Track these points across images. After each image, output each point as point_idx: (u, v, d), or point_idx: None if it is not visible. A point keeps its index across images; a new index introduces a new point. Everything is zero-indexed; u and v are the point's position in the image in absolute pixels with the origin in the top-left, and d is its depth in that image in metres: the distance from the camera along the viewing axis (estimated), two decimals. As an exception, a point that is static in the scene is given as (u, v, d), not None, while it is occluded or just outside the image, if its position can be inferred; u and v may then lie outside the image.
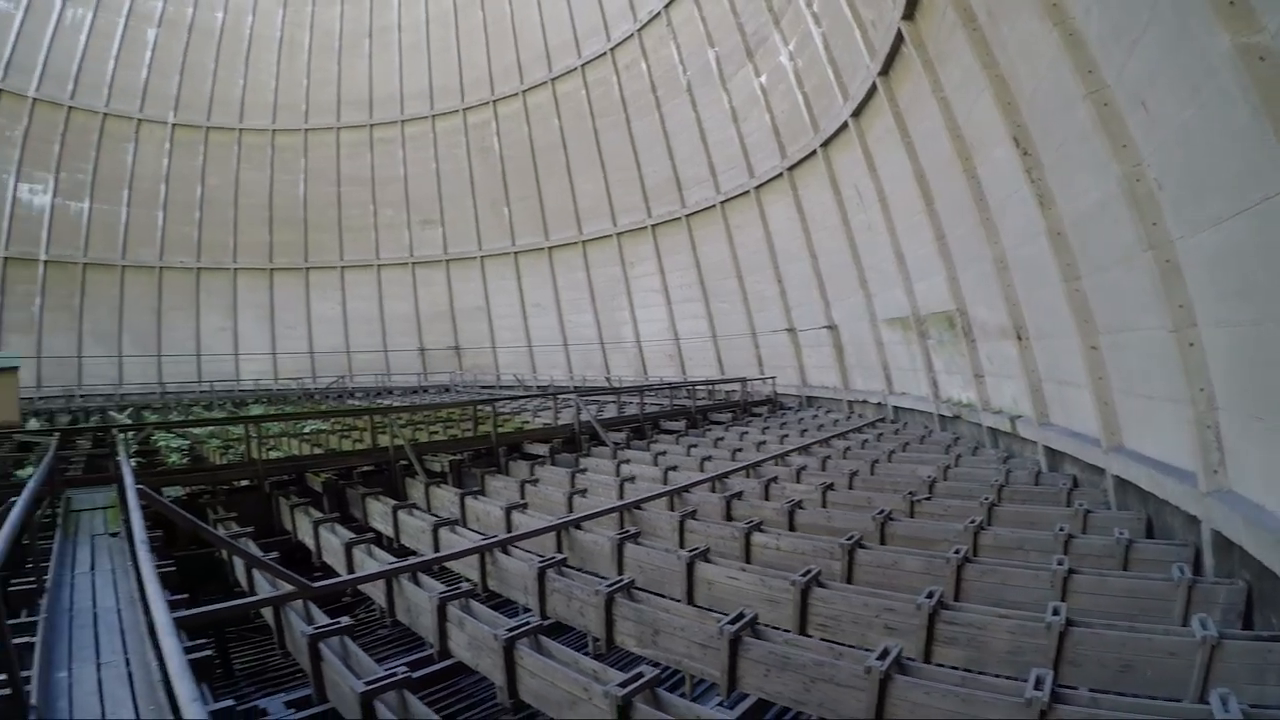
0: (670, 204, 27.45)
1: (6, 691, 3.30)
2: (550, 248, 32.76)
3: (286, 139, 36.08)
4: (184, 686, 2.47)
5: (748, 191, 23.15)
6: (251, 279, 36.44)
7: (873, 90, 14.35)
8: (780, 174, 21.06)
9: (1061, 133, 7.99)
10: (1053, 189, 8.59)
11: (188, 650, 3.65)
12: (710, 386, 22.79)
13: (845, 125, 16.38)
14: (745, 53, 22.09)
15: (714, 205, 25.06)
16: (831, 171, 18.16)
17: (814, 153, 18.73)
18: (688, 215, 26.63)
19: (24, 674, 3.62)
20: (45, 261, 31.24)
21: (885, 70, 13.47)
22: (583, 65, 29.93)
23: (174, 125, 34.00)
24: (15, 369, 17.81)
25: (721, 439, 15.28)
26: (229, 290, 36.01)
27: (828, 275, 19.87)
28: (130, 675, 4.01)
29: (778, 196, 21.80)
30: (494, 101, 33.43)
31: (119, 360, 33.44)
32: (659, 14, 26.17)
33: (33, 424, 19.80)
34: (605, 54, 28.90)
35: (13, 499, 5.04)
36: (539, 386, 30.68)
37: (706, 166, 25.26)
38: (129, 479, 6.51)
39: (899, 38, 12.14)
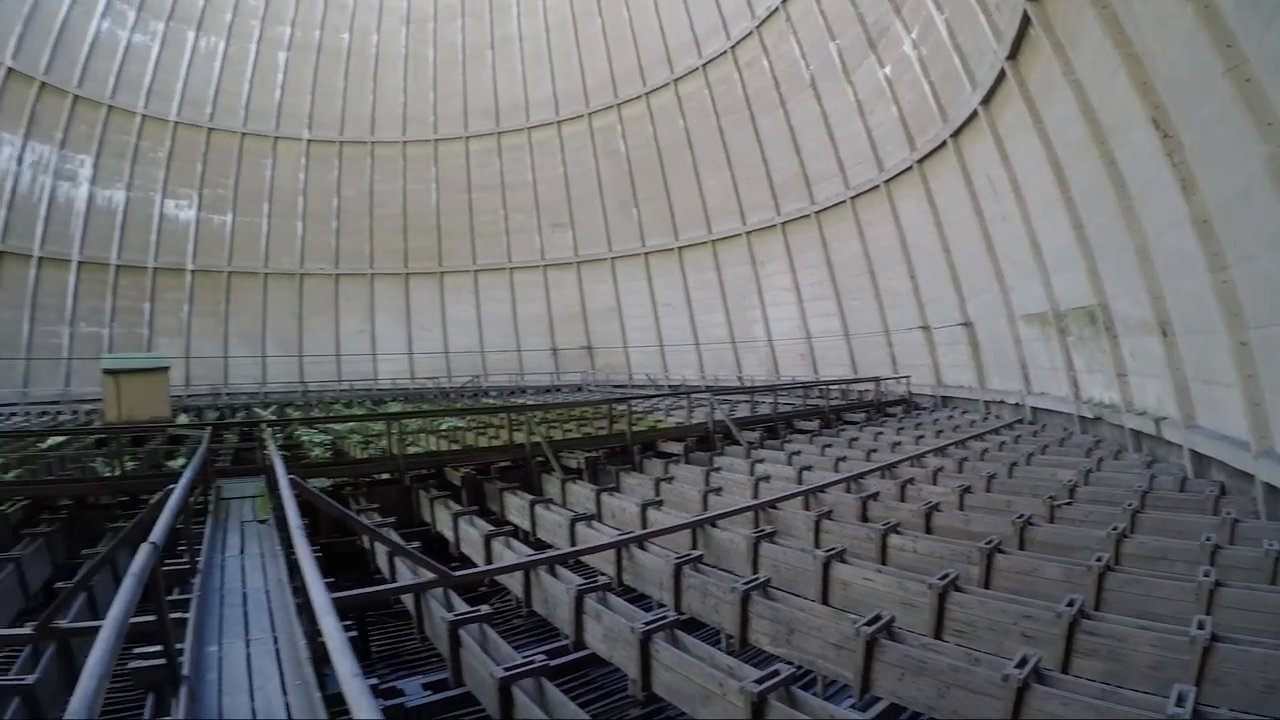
0: (799, 201, 27.07)
1: (161, 661, 3.78)
2: (680, 248, 32.98)
3: (417, 150, 37.92)
4: (345, 663, 2.61)
5: (877, 186, 22.53)
6: (388, 284, 38.48)
7: (1001, 76, 13.71)
8: (910, 166, 20.41)
9: (1202, 112, 7.44)
10: (1195, 172, 7.98)
11: (339, 631, 3.90)
12: (843, 386, 22.34)
13: (975, 114, 15.73)
14: (867, 44, 21.50)
15: (844, 201, 24.51)
16: (963, 161, 17.43)
17: (944, 143, 18.06)
18: (817, 212, 26.17)
19: (177, 647, 3.95)
20: (192, 271, 34.39)
21: (1013, 54, 12.85)
22: (704, 65, 30.00)
23: (309, 141, 36.49)
24: (166, 368, 19.37)
25: (856, 439, 14.97)
26: (366, 294, 38.15)
27: (961, 270, 19.07)
28: (278, 652, 4.33)
29: (908, 190, 21.11)
30: (618, 105, 33.99)
31: (262, 360, 36.04)
32: (777, 9, 25.85)
33: (182, 419, 21.48)
34: (726, 53, 28.86)
35: (170, 486, 5.66)
36: (670, 386, 30.86)
37: (834, 162, 24.71)
38: (281, 469, 6.95)
39: (1025, 20, 11.58)
